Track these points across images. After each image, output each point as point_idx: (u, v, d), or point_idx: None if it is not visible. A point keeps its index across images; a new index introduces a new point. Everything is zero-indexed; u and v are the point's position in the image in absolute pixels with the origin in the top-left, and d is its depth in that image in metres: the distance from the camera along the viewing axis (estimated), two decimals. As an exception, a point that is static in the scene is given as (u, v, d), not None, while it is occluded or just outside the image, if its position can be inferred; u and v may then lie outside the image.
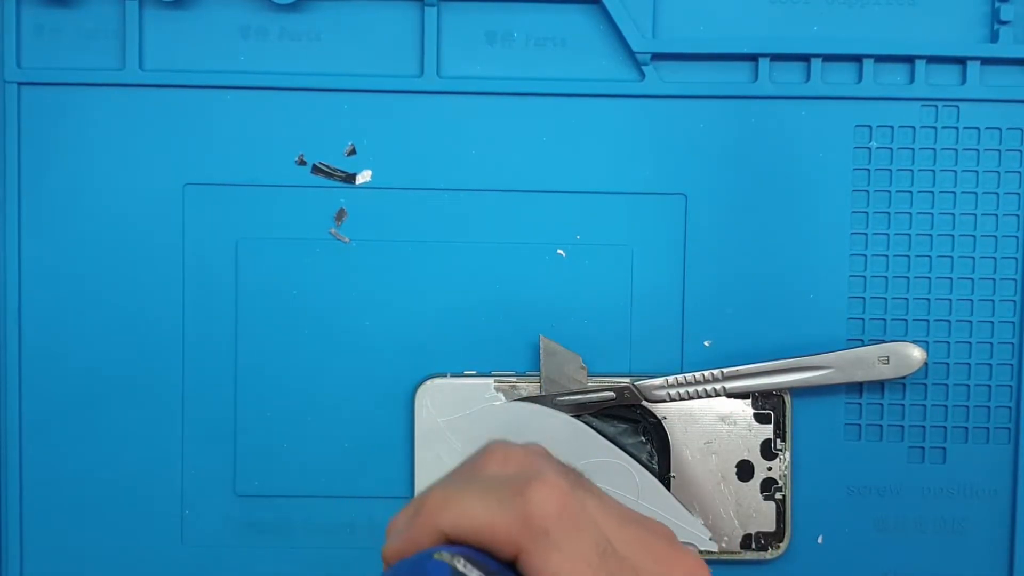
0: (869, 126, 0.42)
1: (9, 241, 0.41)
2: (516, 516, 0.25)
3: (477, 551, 0.26)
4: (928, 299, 0.42)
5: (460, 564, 0.25)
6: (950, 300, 0.42)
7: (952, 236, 0.42)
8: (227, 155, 0.42)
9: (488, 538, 0.26)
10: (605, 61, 0.42)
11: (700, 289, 0.42)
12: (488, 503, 0.26)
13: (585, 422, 0.41)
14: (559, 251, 0.42)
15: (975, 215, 0.42)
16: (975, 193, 0.42)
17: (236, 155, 0.42)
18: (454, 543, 0.26)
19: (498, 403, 0.41)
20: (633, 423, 0.42)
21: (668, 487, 0.41)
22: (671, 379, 0.41)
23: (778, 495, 0.41)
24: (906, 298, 0.42)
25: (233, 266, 0.42)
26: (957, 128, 0.41)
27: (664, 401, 0.41)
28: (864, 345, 0.41)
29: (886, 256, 0.42)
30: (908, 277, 0.42)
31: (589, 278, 0.42)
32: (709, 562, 0.41)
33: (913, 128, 0.42)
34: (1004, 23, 0.41)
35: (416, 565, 0.25)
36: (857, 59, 0.41)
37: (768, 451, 0.41)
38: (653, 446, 0.41)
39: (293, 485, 0.42)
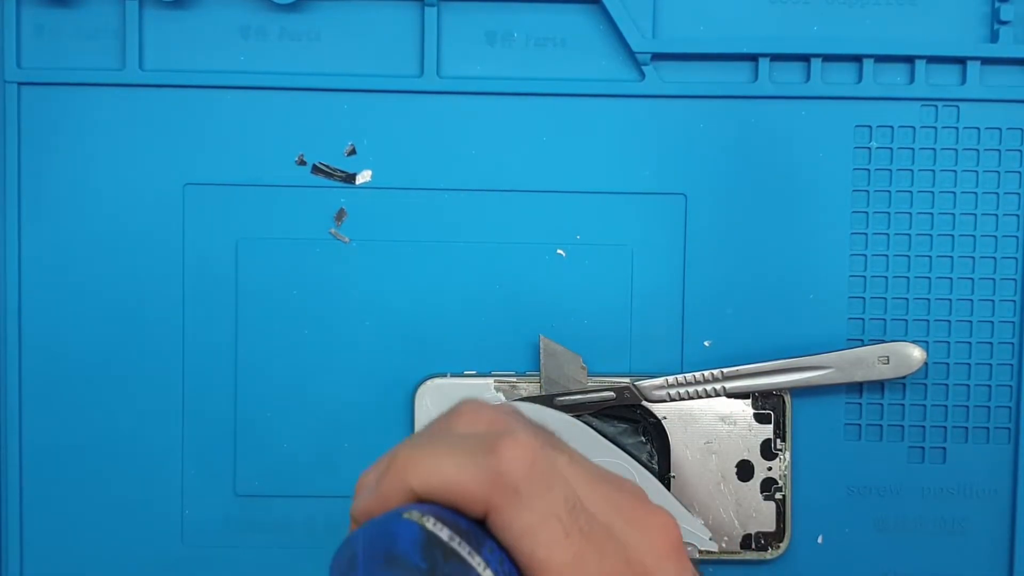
0: (869, 126, 0.42)
1: (9, 241, 0.41)
2: (486, 474, 0.25)
3: (447, 509, 0.25)
4: (928, 299, 0.42)
5: (430, 523, 0.25)
6: (950, 300, 0.42)
7: (952, 236, 0.42)
8: (227, 155, 0.42)
9: (458, 496, 0.25)
10: (605, 61, 0.42)
11: (700, 289, 0.42)
12: (458, 461, 0.26)
13: (585, 422, 0.41)
14: (559, 251, 0.42)
15: (975, 215, 0.42)
16: (975, 193, 0.42)
17: (236, 155, 0.42)
18: (423, 501, 0.26)
19: (498, 403, 0.41)
20: (633, 423, 0.42)
21: (668, 487, 0.41)
22: (671, 379, 0.41)
23: (778, 495, 0.41)
24: (906, 298, 0.42)
25: (233, 266, 0.42)
26: (957, 128, 0.41)
27: (664, 401, 0.41)
28: (864, 345, 0.41)
29: (886, 256, 0.42)
30: (908, 277, 0.42)
31: (589, 278, 0.42)
32: (709, 562, 0.41)
33: (913, 128, 0.42)
34: (1004, 23, 0.41)
35: (385, 525, 0.25)
36: (857, 59, 0.41)
37: (768, 451, 0.41)
38: (653, 446, 0.41)
39: (293, 485, 0.42)
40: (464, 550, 0.24)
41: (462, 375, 0.41)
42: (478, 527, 0.26)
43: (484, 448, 0.26)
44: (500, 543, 0.25)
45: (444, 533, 0.24)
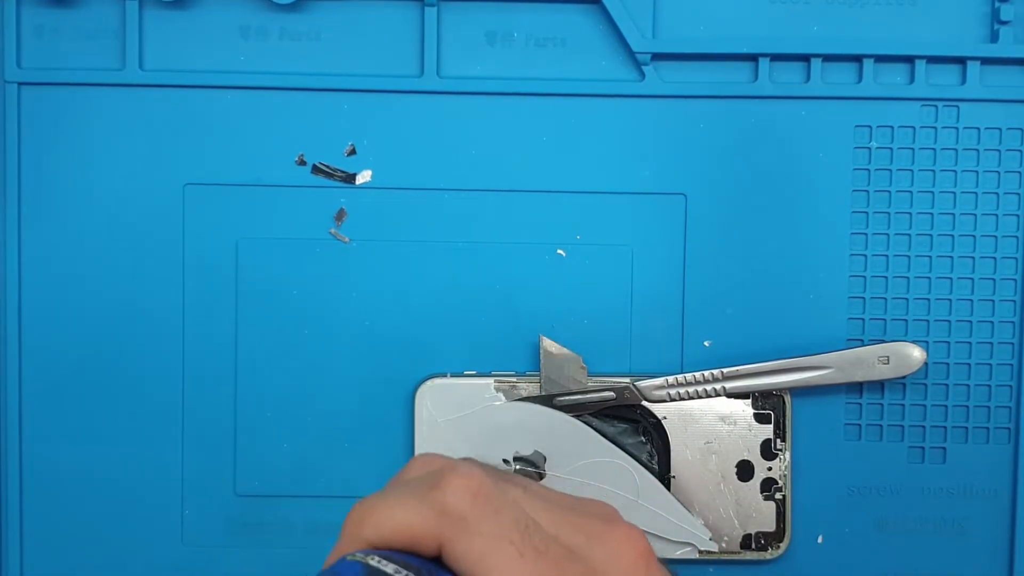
0: (869, 126, 0.42)
1: (9, 241, 0.41)
2: (432, 509, 0.26)
3: (401, 553, 0.26)
4: (928, 299, 0.42)
5: (374, 561, 0.25)
6: (950, 300, 0.42)
7: (952, 236, 0.42)
8: (227, 155, 0.42)
9: (408, 536, 0.26)
10: (605, 61, 0.42)
11: (700, 289, 0.42)
12: (404, 504, 0.26)
13: (585, 422, 0.41)
14: (559, 251, 0.42)
15: (975, 215, 0.42)
16: (975, 193, 0.42)
17: (236, 155, 0.42)
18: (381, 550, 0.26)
19: (498, 403, 0.41)
20: (633, 423, 0.42)
21: (668, 487, 0.41)
22: (671, 379, 0.41)
23: (778, 495, 0.41)
24: (906, 298, 0.42)
25: (233, 266, 0.42)
26: (957, 128, 0.41)
27: (664, 401, 0.41)
28: (864, 345, 0.41)
29: (886, 256, 0.42)
30: (908, 277, 0.42)
31: (589, 278, 0.42)
32: (709, 562, 0.41)
33: (913, 128, 0.42)
34: (1004, 23, 0.41)
35: (331, 570, 0.25)
36: (857, 59, 0.41)
37: (768, 451, 0.41)
38: (653, 446, 0.41)
39: (293, 485, 0.42)
40: None
41: (462, 375, 0.41)
42: (435, 565, 0.26)
43: (428, 486, 0.26)
44: None
45: (389, 568, 0.25)
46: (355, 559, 0.25)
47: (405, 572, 0.25)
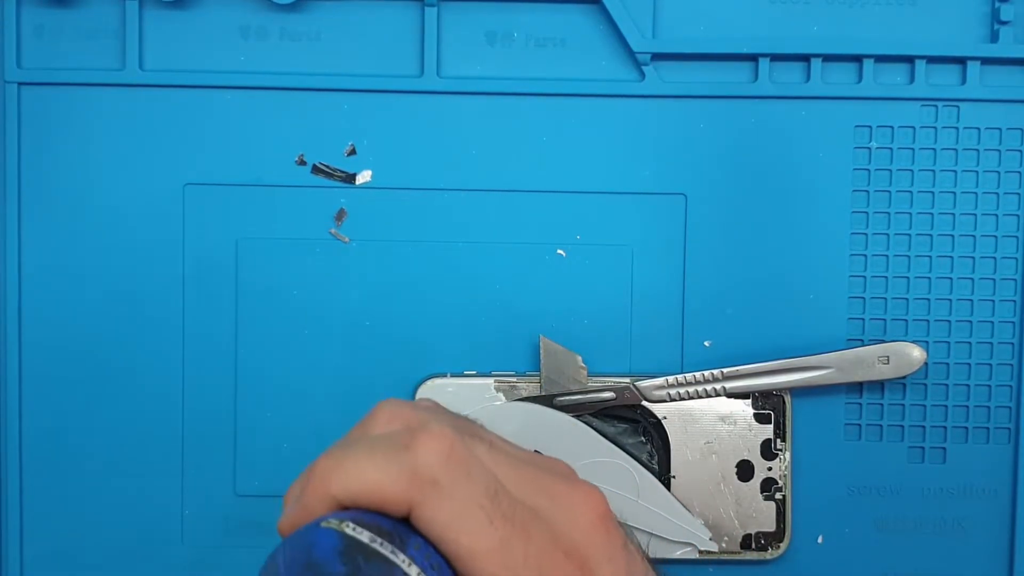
0: (869, 126, 0.42)
1: (9, 241, 0.41)
2: (404, 471, 0.25)
3: (370, 512, 0.25)
4: (928, 299, 0.42)
5: (349, 528, 0.25)
6: (950, 300, 0.42)
7: (952, 236, 0.42)
8: (227, 155, 0.42)
9: (379, 498, 0.25)
10: (605, 61, 0.42)
11: (700, 289, 0.42)
12: (375, 462, 0.26)
13: (585, 422, 0.41)
14: (559, 251, 0.42)
15: (975, 215, 0.42)
16: (975, 193, 0.42)
17: (236, 155, 0.42)
18: (347, 508, 0.26)
19: (498, 403, 0.41)
20: (633, 423, 0.42)
21: (668, 487, 0.41)
22: (671, 379, 0.41)
23: (778, 495, 0.41)
24: (906, 298, 0.42)
25: (233, 266, 0.42)
26: (957, 128, 0.41)
27: (664, 401, 0.41)
28: (864, 345, 0.41)
29: (886, 256, 0.42)
30: (908, 277, 0.42)
31: (589, 278, 0.42)
32: (709, 562, 0.41)
33: (913, 128, 0.42)
34: (1004, 23, 0.41)
35: (304, 535, 0.25)
36: (857, 59, 0.41)
37: (768, 451, 0.41)
38: (653, 446, 0.41)
39: (293, 485, 0.42)
40: (386, 549, 0.24)
41: (462, 375, 0.41)
42: (404, 525, 0.26)
43: (399, 446, 0.26)
44: (427, 538, 0.25)
45: (364, 536, 0.24)
46: (330, 526, 0.25)
47: (380, 540, 0.24)
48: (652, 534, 0.40)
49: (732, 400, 0.41)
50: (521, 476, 0.27)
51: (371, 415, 0.28)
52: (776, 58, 0.41)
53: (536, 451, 0.40)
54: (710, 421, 0.41)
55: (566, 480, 0.28)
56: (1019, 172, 0.42)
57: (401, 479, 0.25)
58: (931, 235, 0.42)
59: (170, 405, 0.42)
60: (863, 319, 0.42)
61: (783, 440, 0.41)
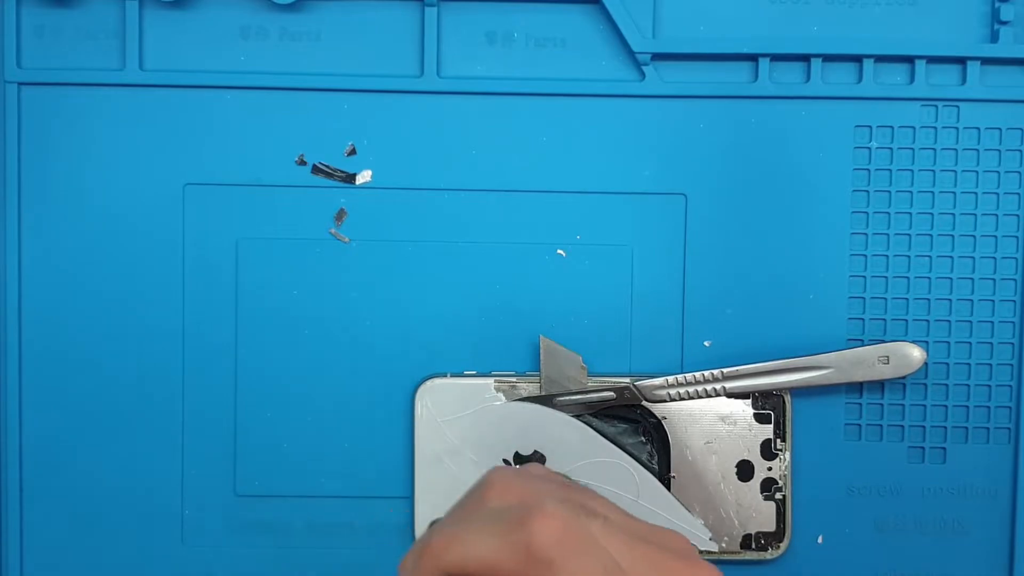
0: (869, 126, 0.42)
1: (9, 241, 0.41)
2: (518, 550, 0.25)
3: None
4: (928, 299, 0.42)
5: None
6: (950, 300, 0.42)
7: (952, 236, 0.42)
8: (227, 155, 0.42)
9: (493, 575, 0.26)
10: (605, 61, 0.42)
11: (700, 289, 0.42)
12: (490, 540, 0.26)
13: (585, 422, 0.41)
14: (559, 251, 0.42)
15: (975, 215, 0.42)
16: (975, 193, 0.42)
17: (236, 155, 0.42)
18: None
19: (498, 403, 0.41)
20: (633, 423, 0.42)
21: (668, 487, 0.41)
22: (671, 379, 0.41)
23: (778, 495, 0.41)
24: (906, 298, 0.42)
25: (233, 266, 0.42)
26: (957, 128, 0.41)
27: (664, 401, 0.41)
28: (864, 345, 0.41)
29: (886, 256, 0.42)
30: (908, 277, 0.42)
31: (589, 278, 0.42)
32: (709, 562, 0.41)
33: (913, 128, 0.42)
34: (1004, 23, 0.41)
35: None
36: (857, 59, 0.41)
37: (768, 451, 0.41)
38: (653, 446, 0.41)
39: (293, 485, 0.42)
40: None
41: (462, 375, 0.41)
42: None
43: (514, 524, 0.26)
44: None
45: None
46: None
47: None
48: (652, 534, 0.40)
49: (732, 400, 0.41)
50: (637, 555, 0.27)
51: (483, 486, 0.28)
52: (776, 58, 0.41)
53: (540, 454, 0.40)
54: (710, 421, 0.41)
55: (684, 559, 0.28)
56: (1019, 172, 0.42)
57: (516, 558, 0.25)
58: (931, 235, 0.42)
59: (170, 405, 0.42)
60: (863, 319, 0.42)
61: (783, 440, 0.41)
